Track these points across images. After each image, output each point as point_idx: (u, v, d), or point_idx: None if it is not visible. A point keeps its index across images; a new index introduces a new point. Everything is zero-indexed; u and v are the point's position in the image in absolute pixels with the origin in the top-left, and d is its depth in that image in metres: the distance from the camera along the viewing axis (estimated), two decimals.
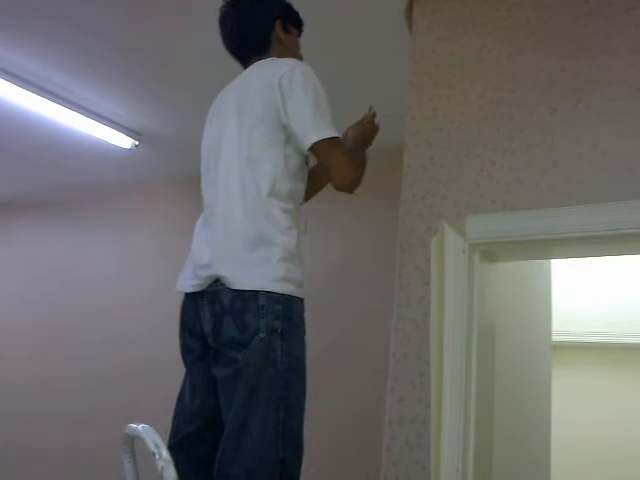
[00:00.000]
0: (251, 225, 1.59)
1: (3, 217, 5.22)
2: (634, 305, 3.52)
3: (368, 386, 3.23)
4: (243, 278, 1.55)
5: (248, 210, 1.60)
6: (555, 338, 2.86)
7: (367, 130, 1.88)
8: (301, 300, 1.62)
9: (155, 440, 1.27)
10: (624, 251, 2.02)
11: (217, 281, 1.59)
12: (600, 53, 1.84)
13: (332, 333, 3.44)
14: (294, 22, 1.88)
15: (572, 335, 3.52)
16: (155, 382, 3.96)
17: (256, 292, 1.53)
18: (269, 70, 1.69)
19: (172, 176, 4.39)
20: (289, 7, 1.89)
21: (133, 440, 1.36)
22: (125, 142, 3.75)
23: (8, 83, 3.07)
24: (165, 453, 1.29)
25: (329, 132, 1.62)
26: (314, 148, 1.62)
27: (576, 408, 3.57)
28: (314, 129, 1.61)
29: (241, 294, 1.54)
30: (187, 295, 1.70)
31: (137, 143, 3.78)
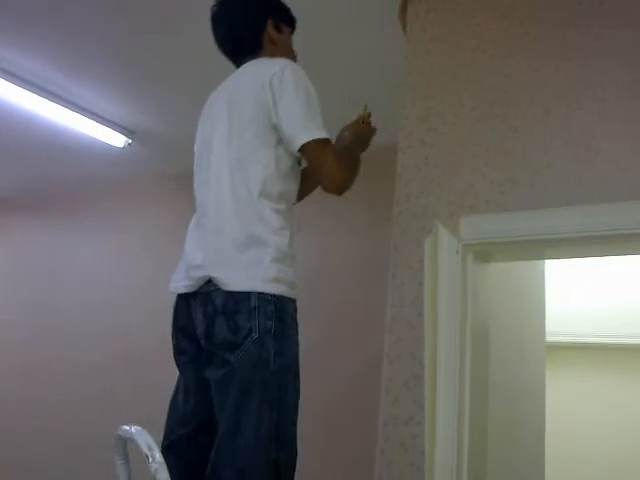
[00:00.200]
0: (242, 226, 1.59)
1: None
2: (628, 306, 3.54)
3: (361, 387, 3.22)
4: (235, 279, 1.55)
5: (239, 211, 1.60)
6: (549, 338, 2.87)
7: (363, 130, 1.87)
8: (293, 301, 1.61)
9: (148, 442, 1.27)
10: (618, 252, 2.03)
11: (209, 282, 1.59)
12: (593, 54, 1.84)
13: (325, 334, 3.44)
14: (286, 20, 1.87)
15: (566, 335, 3.53)
16: (144, 378, 3.98)
17: (248, 293, 1.53)
18: (260, 70, 1.69)
19: (165, 174, 4.39)
20: (281, 6, 1.88)
21: (126, 442, 1.35)
22: (118, 140, 3.74)
23: (2, 81, 3.04)
24: (158, 456, 1.28)
25: (319, 133, 1.62)
26: (304, 149, 1.62)
27: (570, 407, 3.58)
28: (304, 130, 1.61)
29: (233, 295, 1.54)
30: (180, 296, 1.70)
31: (130, 141, 3.77)
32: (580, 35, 1.88)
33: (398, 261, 1.97)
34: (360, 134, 1.86)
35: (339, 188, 1.68)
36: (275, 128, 1.64)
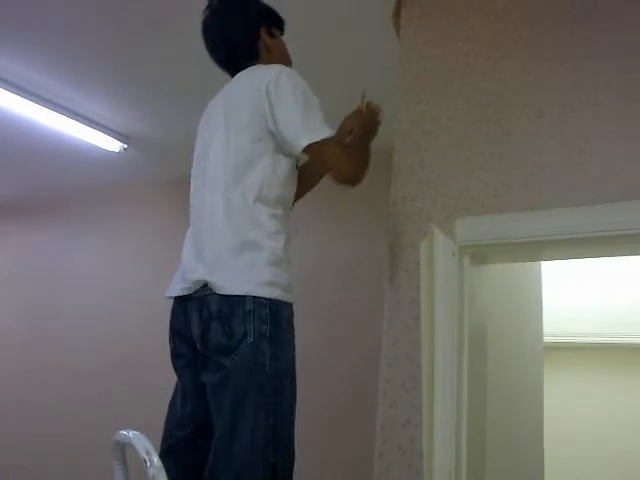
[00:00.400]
0: (237, 231, 1.60)
1: None
2: (626, 305, 3.54)
3: (360, 389, 3.22)
4: (230, 283, 1.56)
5: (234, 216, 1.61)
6: (547, 339, 2.88)
7: (367, 119, 1.88)
8: (289, 305, 1.62)
9: (146, 447, 1.26)
10: (614, 253, 2.04)
11: (205, 286, 1.59)
12: (586, 57, 1.85)
13: (324, 335, 3.45)
14: (277, 24, 1.88)
15: (564, 336, 3.53)
16: (141, 382, 3.98)
17: (243, 297, 1.53)
18: (255, 77, 1.70)
19: (160, 179, 4.39)
20: (270, 11, 1.88)
21: (124, 447, 1.35)
22: (114, 145, 3.74)
23: None
24: (156, 460, 1.28)
25: (320, 133, 1.62)
26: (307, 151, 1.63)
27: (569, 408, 3.58)
28: (304, 132, 1.62)
29: (228, 299, 1.54)
30: (176, 300, 1.70)
31: (125, 146, 3.77)
32: (574, 39, 1.88)
33: (394, 264, 1.97)
34: (366, 124, 1.87)
35: (348, 179, 1.70)
36: (272, 134, 1.64)
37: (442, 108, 2.03)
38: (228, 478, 1.47)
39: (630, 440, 3.45)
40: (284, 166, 1.67)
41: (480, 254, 1.92)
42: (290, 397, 1.57)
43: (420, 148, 2.04)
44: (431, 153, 2.01)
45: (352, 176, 1.69)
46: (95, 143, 3.71)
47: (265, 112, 1.63)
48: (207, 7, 1.83)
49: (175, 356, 1.72)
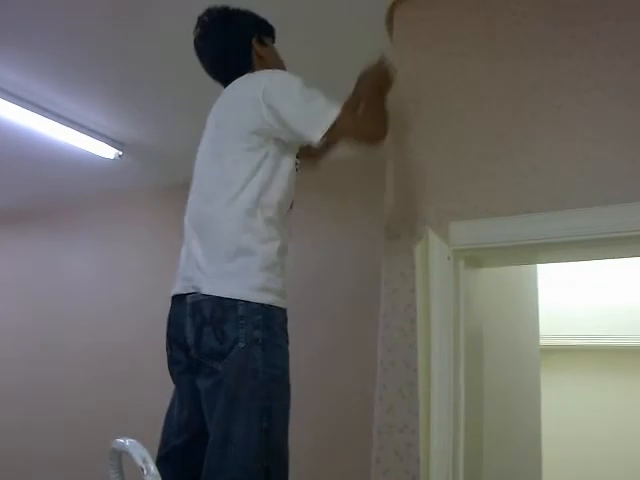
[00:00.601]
0: (231, 236, 1.61)
1: None
2: (622, 307, 3.55)
3: (356, 395, 3.21)
4: (222, 287, 1.56)
5: (229, 223, 1.62)
6: (544, 342, 2.88)
7: (379, 77, 1.88)
8: (283, 310, 1.62)
9: (143, 455, 1.26)
10: (609, 255, 2.04)
11: (199, 292, 1.60)
12: (579, 59, 1.85)
13: (318, 342, 3.43)
14: (267, 32, 1.89)
15: (562, 338, 3.54)
16: (137, 389, 3.97)
17: (235, 302, 1.54)
18: (248, 85, 1.71)
19: (155, 186, 4.39)
20: (259, 20, 1.89)
21: (120, 455, 1.34)
22: (109, 152, 3.74)
23: None
24: (153, 468, 1.27)
25: (329, 116, 1.63)
26: (324, 137, 1.64)
27: (567, 410, 3.58)
28: (314, 124, 1.63)
29: (221, 304, 1.55)
30: (173, 307, 1.71)
31: (120, 153, 3.76)
32: (566, 40, 1.89)
33: (389, 268, 1.97)
34: (378, 82, 1.87)
35: (374, 141, 1.77)
36: (273, 138, 1.66)
37: (435, 110, 2.03)
38: None
39: (629, 442, 3.45)
40: (282, 170, 1.68)
41: (475, 258, 1.92)
42: (284, 402, 1.57)
43: (413, 152, 2.04)
44: (424, 156, 2.01)
45: (376, 137, 1.75)
46: (90, 150, 3.70)
47: (265, 118, 1.64)
48: (197, 25, 1.85)
49: (172, 363, 1.72)
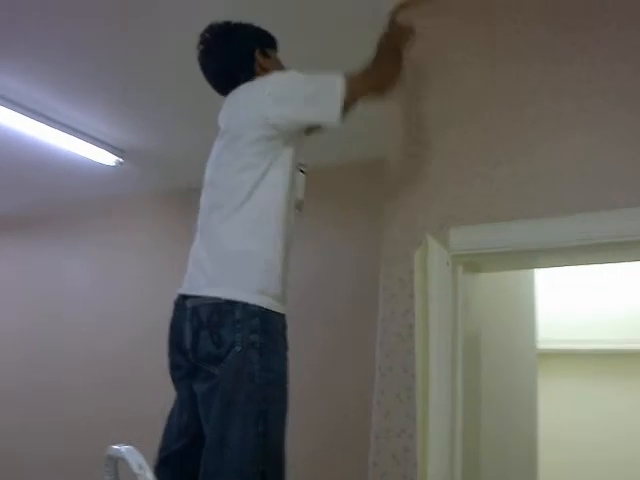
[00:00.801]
0: (235, 240, 1.62)
1: None
2: (621, 311, 3.54)
3: (354, 400, 3.21)
4: (222, 288, 1.58)
5: (234, 226, 1.63)
6: (543, 346, 2.87)
7: (393, 35, 1.91)
8: (281, 316, 1.63)
9: (139, 461, 1.26)
10: (607, 260, 2.03)
11: (199, 296, 1.61)
12: (579, 65, 1.85)
13: (317, 346, 3.43)
14: (270, 44, 1.92)
15: (559, 342, 3.53)
16: (135, 396, 3.97)
17: (233, 306, 1.54)
18: (252, 93, 1.74)
19: (155, 193, 4.40)
20: (261, 32, 1.91)
21: (116, 462, 1.34)
22: (109, 159, 3.75)
23: None
24: (149, 475, 1.27)
25: (338, 95, 1.65)
26: (343, 111, 1.67)
27: (566, 414, 3.57)
28: (328, 109, 1.66)
29: (218, 308, 1.56)
30: (174, 312, 1.72)
31: (121, 160, 3.77)
32: (568, 46, 1.89)
33: (388, 273, 1.97)
34: (392, 39, 1.90)
35: (385, 90, 1.81)
36: (279, 143, 1.67)
37: (437, 117, 2.04)
38: None
39: (628, 446, 3.44)
40: (287, 174, 1.70)
41: (474, 263, 1.92)
42: (281, 406, 1.58)
43: (414, 157, 2.04)
44: (424, 162, 2.01)
45: (385, 87, 1.79)
46: (91, 157, 3.71)
47: (273, 121, 1.66)
48: (200, 42, 1.88)
49: (173, 368, 1.73)
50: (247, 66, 1.83)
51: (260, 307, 1.55)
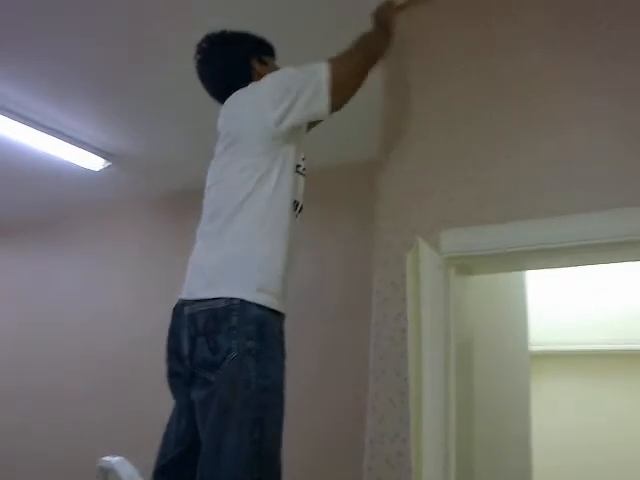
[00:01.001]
0: (233, 240, 1.63)
1: None
2: (616, 312, 3.55)
3: (348, 404, 3.21)
4: (219, 288, 1.58)
5: (232, 226, 1.64)
6: (537, 347, 2.86)
7: (380, 16, 1.99)
8: (280, 316, 1.63)
9: (129, 473, 1.24)
10: (599, 261, 2.03)
11: (197, 302, 1.61)
12: (573, 65, 1.85)
13: (311, 350, 3.43)
14: (267, 52, 1.93)
15: (552, 344, 3.53)
16: (129, 402, 3.94)
17: (229, 311, 1.54)
18: (247, 97, 1.75)
19: (143, 197, 4.38)
20: (257, 40, 1.93)
21: (107, 473, 1.32)
22: (96, 163, 3.72)
23: None
24: None
25: (323, 85, 1.67)
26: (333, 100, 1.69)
27: (565, 416, 3.57)
28: (316, 98, 1.68)
29: (214, 315, 1.55)
30: (172, 318, 1.71)
31: (108, 164, 3.75)
32: (562, 44, 1.88)
33: (380, 277, 1.96)
34: (378, 18, 1.99)
35: (370, 61, 1.86)
36: (279, 143, 1.68)
37: (427, 121, 2.03)
38: None
39: (627, 448, 3.44)
40: (286, 176, 1.70)
41: (466, 265, 1.92)
42: (277, 412, 1.57)
43: (405, 160, 2.04)
44: (415, 165, 2.01)
45: (369, 63, 1.83)
46: (78, 161, 3.69)
47: (274, 124, 1.67)
48: (197, 52, 1.89)
49: (171, 375, 1.73)
50: (245, 74, 1.84)
51: (258, 305, 1.55)
